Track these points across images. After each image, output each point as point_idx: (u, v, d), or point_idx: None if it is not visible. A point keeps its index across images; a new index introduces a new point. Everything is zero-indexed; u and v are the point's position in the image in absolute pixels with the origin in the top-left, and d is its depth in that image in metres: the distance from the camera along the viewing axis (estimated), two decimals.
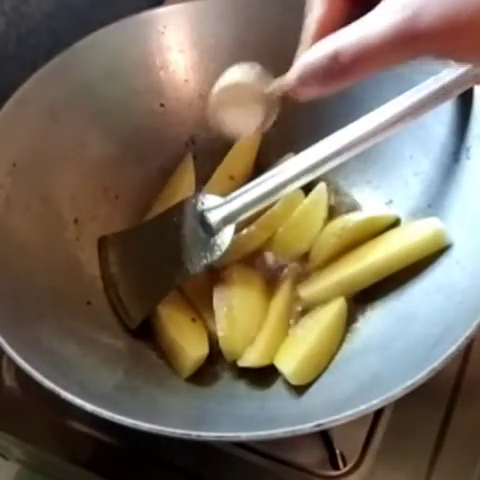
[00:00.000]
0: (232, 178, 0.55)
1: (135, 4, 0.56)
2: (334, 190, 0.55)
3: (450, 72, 0.44)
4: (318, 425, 0.33)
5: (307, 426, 0.33)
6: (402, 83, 0.49)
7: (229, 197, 0.47)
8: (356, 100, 0.51)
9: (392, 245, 0.47)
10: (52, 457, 0.48)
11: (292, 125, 0.55)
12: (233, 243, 0.48)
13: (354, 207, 0.54)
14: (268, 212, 0.52)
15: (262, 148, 0.56)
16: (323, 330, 0.46)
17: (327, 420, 0.34)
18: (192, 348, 0.46)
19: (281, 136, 0.55)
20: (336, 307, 0.47)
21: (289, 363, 0.44)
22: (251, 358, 0.46)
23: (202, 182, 0.55)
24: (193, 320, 0.49)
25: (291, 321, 0.49)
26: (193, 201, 0.49)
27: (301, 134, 0.55)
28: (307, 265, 0.52)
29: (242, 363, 0.46)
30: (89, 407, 0.35)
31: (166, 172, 0.56)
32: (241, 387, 0.46)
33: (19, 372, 0.37)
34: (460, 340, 0.36)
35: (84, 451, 0.48)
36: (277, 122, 0.54)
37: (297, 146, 0.55)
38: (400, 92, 0.49)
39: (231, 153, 0.56)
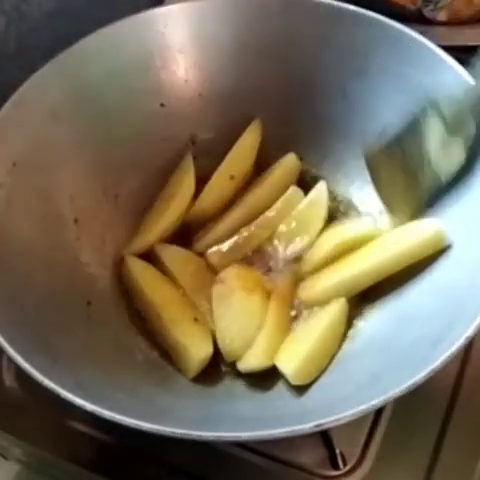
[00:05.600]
0: (232, 178, 0.55)
1: (135, 4, 0.56)
2: (334, 189, 0.55)
3: None
4: (318, 425, 0.33)
5: (307, 426, 0.33)
6: (402, 81, 0.49)
7: None
8: (356, 100, 0.51)
9: (392, 246, 0.47)
10: (52, 457, 0.48)
11: (292, 125, 0.55)
12: (232, 243, 0.48)
13: (353, 206, 0.55)
14: (267, 212, 0.52)
15: (262, 148, 0.56)
16: (324, 330, 0.46)
17: (327, 420, 0.34)
18: (196, 348, 0.46)
19: (281, 136, 0.55)
20: (337, 307, 0.47)
21: (290, 363, 0.44)
22: (251, 361, 0.46)
23: (202, 182, 0.55)
24: (195, 320, 0.49)
25: (291, 321, 0.49)
26: None
27: (301, 134, 0.55)
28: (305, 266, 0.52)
29: (242, 366, 0.46)
30: (89, 407, 0.35)
31: (166, 172, 0.56)
32: (241, 387, 0.46)
33: (19, 372, 0.37)
34: (460, 340, 0.36)
35: (84, 451, 0.48)
36: (277, 122, 0.55)
37: (297, 146, 0.55)
38: (400, 91, 0.49)
39: (231, 153, 0.56)
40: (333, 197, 0.55)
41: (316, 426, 0.33)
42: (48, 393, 0.36)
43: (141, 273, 0.51)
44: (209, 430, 0.34)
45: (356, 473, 0.45)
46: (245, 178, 0.56)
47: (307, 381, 0.44)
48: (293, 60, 0.53)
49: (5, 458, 0.56)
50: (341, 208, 0.55)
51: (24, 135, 0.48)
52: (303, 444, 0.47)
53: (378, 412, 0.47)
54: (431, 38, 0.47)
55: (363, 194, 0.54)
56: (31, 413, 0.49)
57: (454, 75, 0.46)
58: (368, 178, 0.53)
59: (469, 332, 0.36)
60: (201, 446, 0.46)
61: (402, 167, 0.48)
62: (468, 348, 0.49)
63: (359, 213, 0.54)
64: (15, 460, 0.56)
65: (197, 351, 0.46)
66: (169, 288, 0.51)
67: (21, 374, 0.37)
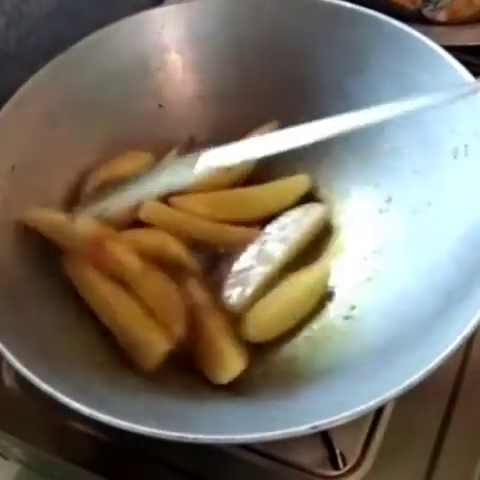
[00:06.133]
0: (229, 169, 0.53)
1: (135, 4, 0.56)
2: (332, 188, 0.55)
3: None
4: (314, 427, 0.33)
5: (303, 428, 0.33)
6: (401, 79, 0.49)
7: None
8: (354, 98, 0.51)
9: None
10: (52, 457, 0.48)
11: (290, 124, 0.54)
12: None
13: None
14: None
15: None
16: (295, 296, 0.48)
17: (323, 422, 0.34)
18: (159, 341, 0.45)
19: None
20: (317, 272, 0.49)
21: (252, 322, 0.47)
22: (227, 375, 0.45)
23: None
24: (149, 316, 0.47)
25: None
26: None
27: None
28: None
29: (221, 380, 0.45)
30: (87, 411, 0.35)
31: None
32: (239, 388, 0.45)
33: (19, 373, 0.37)
34: (457, 340, 0.36)
35: (84, 451, 0.48)
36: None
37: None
38: (399, 89, 0.49)
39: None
40: (330, 196, 0.55)
41: (312, 428, 0.33)
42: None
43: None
44: (205, 432, 0.34)
45: (356, 473, 0.45)
46: (244, 175, 0.55)
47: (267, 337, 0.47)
48: (291, 59, 0.52)
49: (5, 458, 0.57)
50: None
51: (23, 137, 0.48)
52: (303, 444, 0.47)
53: (378, 412, 0.47)
54: (431, 38, 0.47)
55: (363, 193, 0.54)
56: (31, 413, 0.49)
57: (453, 73, 0.46)
58: (368, 176, 0.53)
59: (466, 331, 0.36)
60: (201, 446, 0.46)
61: None
62: (468, 347, 0.49)
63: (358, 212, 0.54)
64: (15, 460, 0.57)
65: (160, 344, 0.45)
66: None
67: (21, 375, 0.37)
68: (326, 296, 0.50)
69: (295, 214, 0.53)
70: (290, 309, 0.48)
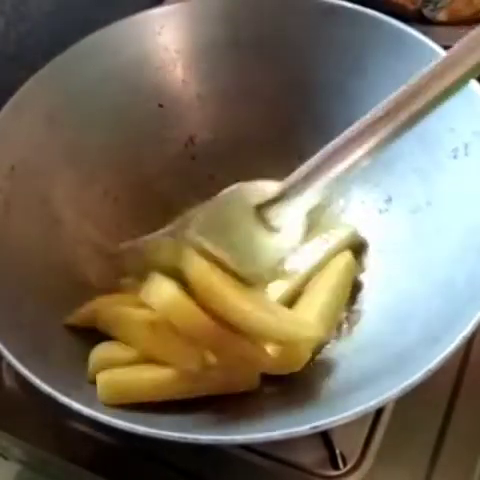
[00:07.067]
0: None
1: (135, 4, 0.56)
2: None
3: None
4: (314, 427, 0.33)
5: (303, 428, 0.33)
6: (400, 79, 0.48)
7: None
8: (355, 98, 0.51)
9: None
10: (52, 457, 0.48)
11: (291, 124, 0.55)
12: None
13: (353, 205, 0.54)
14: None
15: (262, 148, 0.56)
16: (331, 291, 0.48)
17: (323, 422, 0.34)
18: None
19: (280, 136, 0.55)
20: (342, 263, 0.49)
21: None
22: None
23: (202, 183, 0.55)
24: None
25: None
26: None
27: (300, 133, 0.55)
28: None
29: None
30: (86, 411, 0.35)
31: (166, 173, 0.56)
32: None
33: (19, 373, 0.37)
34: (457, 340, 0.36)
35: (84, 451, 0.48)
36: (276, 121, 0.55)
37: (296, 145, 0.55)
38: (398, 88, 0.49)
39: None
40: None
41: (312, 428, 0.33)
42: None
43: None
44: (206, 432, 0.34)
45: (356, 473, 0.45)
46: None
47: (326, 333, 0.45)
48: (291, 59, 0.52)
49: (5, 458, 0.57)
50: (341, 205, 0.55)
51: (23, 137, 0.48)
52: (303, 444, 0.47)
53: (378, 412, 0.47)
54: (431, 38, 0.47)
55: (363, 192, 0.54)
56: (31, 413, 0.49)
57: None
58: (368, 176, 0.53)
59: (466, 331, 0.36)
60: (201, 446, 0.46)
61: None
62: (468, 348, 0.49)
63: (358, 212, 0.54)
64: (15, 460, 0.57)
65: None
66: None
67: (21, 374, 0.37)
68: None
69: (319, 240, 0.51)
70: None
